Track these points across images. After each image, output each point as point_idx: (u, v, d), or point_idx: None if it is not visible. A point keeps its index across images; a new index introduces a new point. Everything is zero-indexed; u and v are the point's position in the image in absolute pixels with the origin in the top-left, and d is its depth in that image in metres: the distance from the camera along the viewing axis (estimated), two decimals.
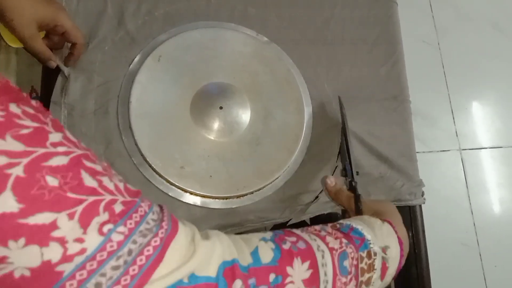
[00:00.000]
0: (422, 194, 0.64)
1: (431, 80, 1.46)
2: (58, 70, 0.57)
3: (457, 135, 1.43)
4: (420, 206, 0.64)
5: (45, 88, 0.59)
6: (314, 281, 0.32)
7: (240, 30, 0.66)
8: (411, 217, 0.63)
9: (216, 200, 0.58)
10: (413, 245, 0.62)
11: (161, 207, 0.30)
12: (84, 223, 0.24)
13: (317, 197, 0.61)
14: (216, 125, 0.60)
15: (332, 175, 0.63)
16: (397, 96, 0.69)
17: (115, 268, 0.24)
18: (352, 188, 0.53)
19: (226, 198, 0.58)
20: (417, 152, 0.67)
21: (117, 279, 0.24)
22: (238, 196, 0.59)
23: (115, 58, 0.61)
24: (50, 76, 0.58)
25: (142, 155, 0.57)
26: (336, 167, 0.63)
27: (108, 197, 0.25)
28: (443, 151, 1.41)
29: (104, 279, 0.23)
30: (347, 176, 0.55)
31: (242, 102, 0.62)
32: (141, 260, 0.25)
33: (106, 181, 0.26)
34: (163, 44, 0.61)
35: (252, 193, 0.60)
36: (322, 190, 0.61)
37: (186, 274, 0.26)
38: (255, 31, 0.67)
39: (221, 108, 0.60)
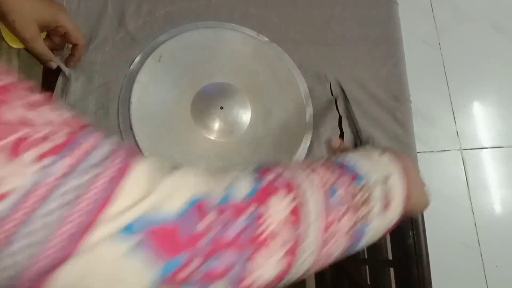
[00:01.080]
0: None
1: (431, 80, 1.46)
2: (58, 70, 0.57)
3: (457, 135, 1.43)
4: None
5: (45, 89, 0.59)
6: (296, 215, 0.29)
7: (240, 30, 0.66)
8: (411, 217, 0.63)
9: None
10: (414, 245, 0.62)
11: (118, 142, 0.25)
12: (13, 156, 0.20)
13: None
14: (216, 125, 0.60)
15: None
16: (398, 96, 0.69)
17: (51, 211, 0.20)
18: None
19: None
20: (418, 152, 0.67)
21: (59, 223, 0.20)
22: None
23: (116, 58, 0.61)
24: (50, 76, 0.58)
25: (142, 155, 0.57)
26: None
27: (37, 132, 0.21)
28: (444, 151, 1.41)
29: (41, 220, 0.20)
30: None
31: (242, 102, 0.62)
32: (81, 202, 0.21)
33: (42, 112, 0.22)
34: (163, 44, 0.61)
35: None
36: None
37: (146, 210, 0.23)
38: (255, 31, 0.67)
39: (221, 108, 0.60)
